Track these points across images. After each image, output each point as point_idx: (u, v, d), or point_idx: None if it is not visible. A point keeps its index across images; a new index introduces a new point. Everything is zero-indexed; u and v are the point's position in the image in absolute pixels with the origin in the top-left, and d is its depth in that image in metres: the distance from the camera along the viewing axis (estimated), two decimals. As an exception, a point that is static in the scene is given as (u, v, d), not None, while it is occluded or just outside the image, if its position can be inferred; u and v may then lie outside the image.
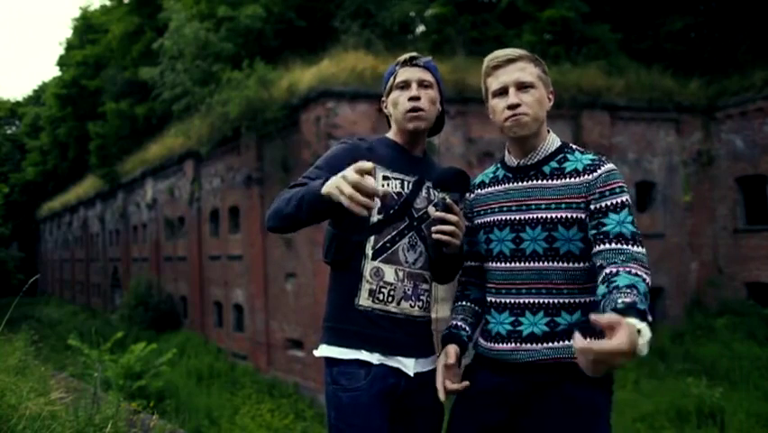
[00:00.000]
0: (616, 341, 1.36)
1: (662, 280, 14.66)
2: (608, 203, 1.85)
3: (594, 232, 1.84)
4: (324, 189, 1.76)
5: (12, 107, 46.79)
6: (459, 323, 2.08)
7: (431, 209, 2.00)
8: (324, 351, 2.03)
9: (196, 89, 14.21)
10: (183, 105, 14.86)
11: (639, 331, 1.42)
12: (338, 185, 1.71)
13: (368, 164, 1.69)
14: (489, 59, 1.98)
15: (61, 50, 37.15)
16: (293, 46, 16.64)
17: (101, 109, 25.47)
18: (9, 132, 47.07)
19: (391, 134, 2.17)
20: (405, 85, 2.07)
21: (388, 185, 2.04)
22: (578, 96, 13.71)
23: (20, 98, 48.96)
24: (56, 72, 47.10)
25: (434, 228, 1.94)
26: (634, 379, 11.47)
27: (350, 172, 1.69)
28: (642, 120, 14.79)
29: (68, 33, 51.26)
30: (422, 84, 2.06)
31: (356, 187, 1.66)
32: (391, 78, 2.11)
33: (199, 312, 18.56)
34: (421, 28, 18.43)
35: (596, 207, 1.86)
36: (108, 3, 29.89)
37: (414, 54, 2.10)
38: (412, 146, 2.12)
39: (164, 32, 15.70)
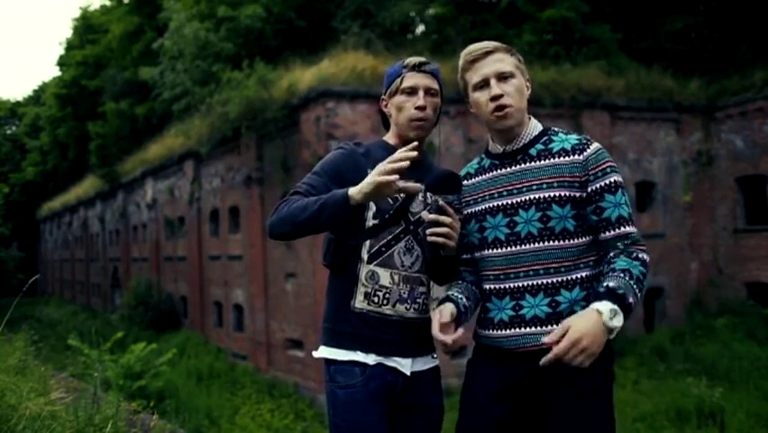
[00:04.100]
0: (555, 351, 1.66)
1: (662, 281, 14.66)
2: (603, 184, 1.91)
3: (595, 219, 1.92)
4: (351, 191, 1.86)
5: (12, 107, 46.81)
6: (454, 292, 2.05)
7: (424, 213, 2.01)
8: (322, 352, 2.07)
9: (196, 89, 14.21)
10: (183, 105, 14.87)
11: (602, 312, 1.69)
12: (369, 177, 1.84)
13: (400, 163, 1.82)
14: (467, 54, 2.01)
15: (61, 50, 37.19)
16: (293, 46, 16.64)
17: (101, 109, 25.48)
18: (9, 132, 47.10)
19: (389, 137, 2.18)
20: (412, 91, 2.07)
21: None
22: (578, 96, 13.71)
23: (20, 98, 49.08)
24: (56, 72, 47.20)
25: (428, 231, 1.94)
26: (634, 379, 11.47)
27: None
28: (642, 120, 14.79)
29: (68, 33, 51.37)
30: (428, 92, 2.08)
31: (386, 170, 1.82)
32: (397, 80, 2.10)
33: (199, 312, 18.56)
34: (421, 28, 18.44)
35: (592, 190, 1.92)
36: (108, 3, 29.93)
37: (423, 60, 2.11)
38: None
39: (164, 32, 15.71)
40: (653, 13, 17.21)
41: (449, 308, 1.94)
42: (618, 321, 1.70)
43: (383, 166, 1.81)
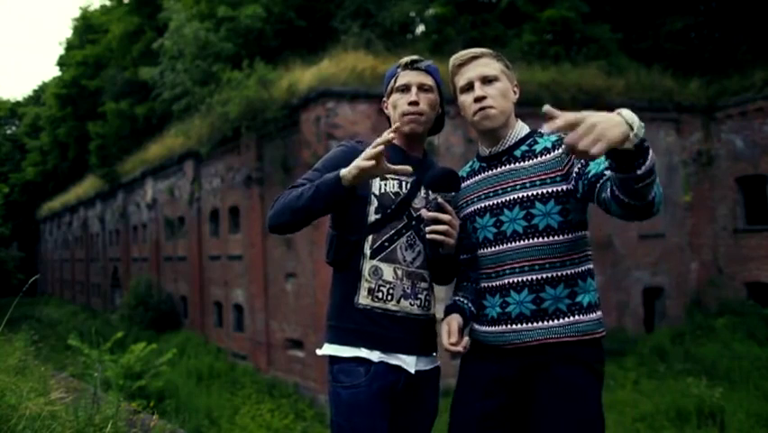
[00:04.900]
0: (570, 137, 1.45)
1: (662, 281, 14.66)
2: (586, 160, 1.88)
3: (586, 183, 1.86)
4: (343, 172, 1.89)
5: (12, 107, 46.79)
6: (460, 297, 2.13)
7: (423, 211, 2.02)
8: (326, 349, 2.08)
9: (196, 89, 14.22)
10: (183, 105, 14.87)
11: (620, 112, 1.54)
12: (356, 161, 1.88)
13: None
14: (454, 59, 2.09)
15: (61, 50, 37.22)
16: (293, 46, 16.65)
17: (101, 109, 25.48)
18: (9, 132, 47.09)
19: None
20: (405, 88, 2.11)
21: (386, 185, 2.07)
22: (578, 96, 13.69)
23: (20, 98, 49.06)
24: (56, 72, 47.21)
25: (427, 228, 1.97)
26: (634, 379, 11.47)
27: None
28: (642, 120, 14.76)
29: (68, 33, 51.41)
30: (421, 88, 2.10)
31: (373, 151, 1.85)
32: (392, 81, 2.15)
33: (199, 312, 18.56)
34: (421, 28, 18.45)
35: (578, 169, 1.91)
36: (108, 3, 29.94)
37: (415, 58, 2.14)
38: (410, 147, 2.16)
39: (164, 32, 15.71)
40: (653, 13, 17.21)
41: (456, 321, 2.02)
42: (640, 123, 1.55)
43: (366, 151, 1.86)
